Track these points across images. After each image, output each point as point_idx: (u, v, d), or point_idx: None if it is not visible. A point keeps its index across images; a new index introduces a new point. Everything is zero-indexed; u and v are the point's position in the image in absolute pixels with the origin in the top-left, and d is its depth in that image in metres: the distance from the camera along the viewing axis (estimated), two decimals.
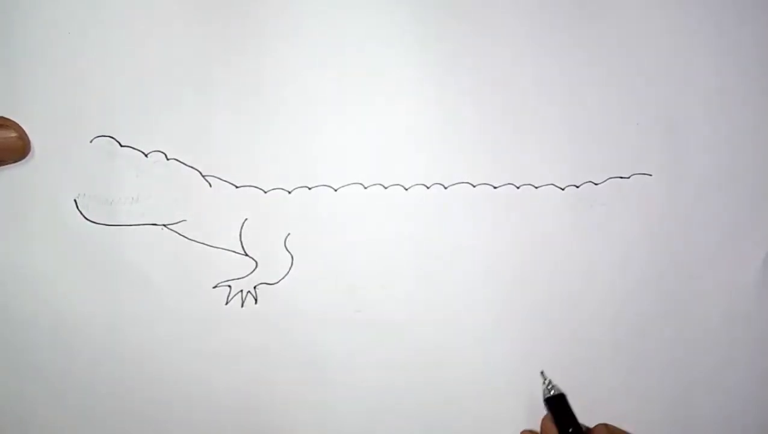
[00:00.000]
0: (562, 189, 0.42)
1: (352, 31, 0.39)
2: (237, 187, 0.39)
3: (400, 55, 0.39)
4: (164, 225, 0.38)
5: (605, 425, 0.39)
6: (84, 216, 0.37)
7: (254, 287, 0.40)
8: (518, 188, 0.41)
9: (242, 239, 0.39)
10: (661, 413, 0.44)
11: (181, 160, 0.38)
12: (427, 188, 0.41)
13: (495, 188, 0.41)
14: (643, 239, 0.43)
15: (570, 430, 0.38)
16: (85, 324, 0.38)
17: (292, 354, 0.40)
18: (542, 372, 0.40)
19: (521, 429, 0.41)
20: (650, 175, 0.43)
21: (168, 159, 0.38)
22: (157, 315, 0.39)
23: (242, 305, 0.40)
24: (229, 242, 0.39)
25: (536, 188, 0.42)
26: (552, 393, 0.39)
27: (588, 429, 0.39)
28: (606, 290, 0.43)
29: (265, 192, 0.39)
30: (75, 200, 0.37)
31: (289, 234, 0.40)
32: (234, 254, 0.39)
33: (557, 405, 0.39)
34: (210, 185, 0.39)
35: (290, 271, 0.40)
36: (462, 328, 0.41)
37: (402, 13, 0.39)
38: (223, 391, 0.40)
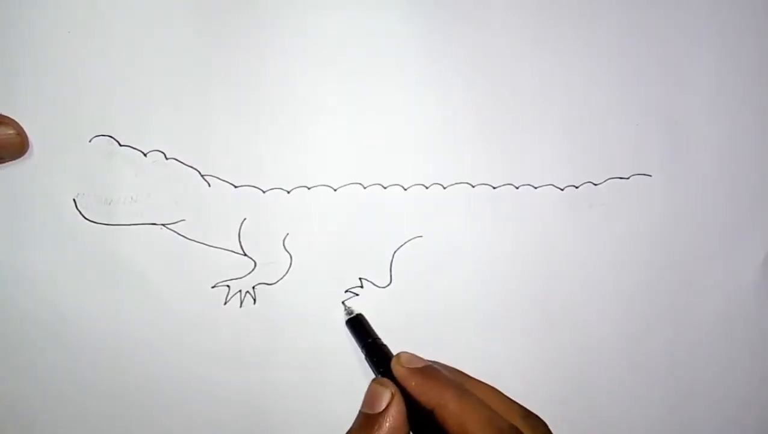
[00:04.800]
0: (562, 189, 0.42)
1: (351, 31, 0.39)
2: (236, 187, 0.39)
3: (399, 56, 0.40)
4: (163, 225, 0.38)
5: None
6: (83, 215, 0.37)
7: (253, 288, 0.40)
8: (517, 188, 0.41)
9: (241, 239, 0.39)
10: (661, 413, 0.44)
11: (180, 159, 0.38)
12: (426, 188, 0.41)
13: (494, 188, 0.41)
14: (642, 239, 0.43)
15: (369, 340, 0.38)
16: (83, 323, 0.38)
17: (291, 354, 0.40)
18: (343, 302, 0.40)
19: None
20: (650, 175, 0.43)
21: (167, 159, 0.38)
22: (155, 315, 0.39)
23: (241, 306, 0.39)
24: (227, 242, 0.39)
25: (535, 188, 0.42)
26: (352, 315, 0.39)
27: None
28: (605, 290, 0.43)
29: (264, 192, 0.39)
30: (74, 200, 0.37)
31: (288, 234, 0.40)
32: (233, 254, 0.39)
33: (356, 325, 0.39)
34: (209, 185, 0.39)
35: (289, 271, 0.40)
36: (461, 328, 0.41)
37: (402, 14, 0.39)
38: (221, 391, 0.40)
